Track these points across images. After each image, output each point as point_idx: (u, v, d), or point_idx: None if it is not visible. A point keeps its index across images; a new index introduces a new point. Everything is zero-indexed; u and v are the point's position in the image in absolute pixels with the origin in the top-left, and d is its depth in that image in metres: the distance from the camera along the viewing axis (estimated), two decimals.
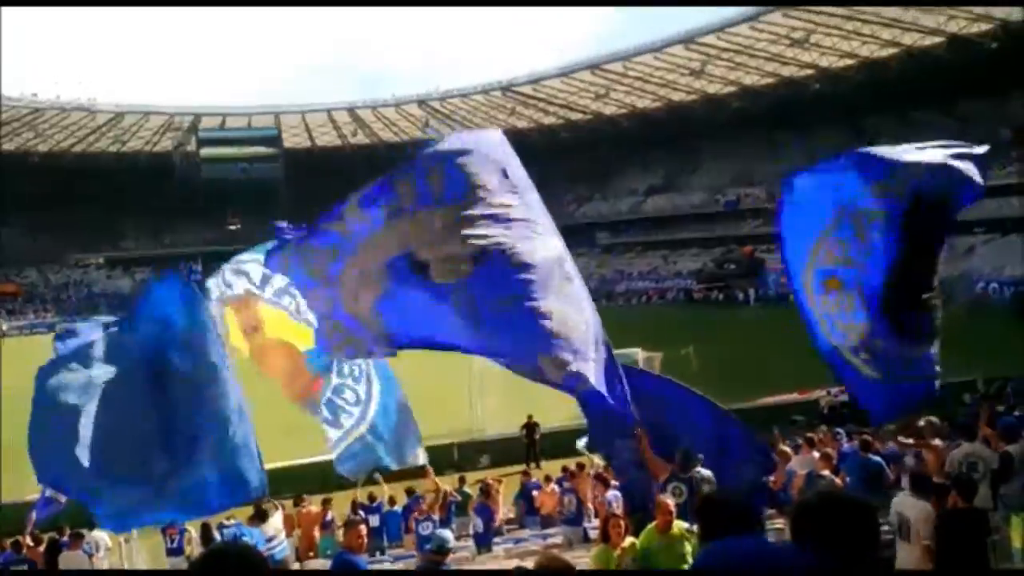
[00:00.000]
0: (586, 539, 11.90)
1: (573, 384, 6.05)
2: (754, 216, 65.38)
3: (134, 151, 78.98)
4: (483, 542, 12.19)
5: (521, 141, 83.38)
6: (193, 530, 13.34)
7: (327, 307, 6.53)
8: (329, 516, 13.50)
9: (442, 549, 6.36)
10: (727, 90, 68.63)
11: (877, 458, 9.94)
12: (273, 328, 9.60)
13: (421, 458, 10.42)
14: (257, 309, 9.64)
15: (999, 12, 48.56)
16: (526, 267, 6.04)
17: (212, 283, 9.78)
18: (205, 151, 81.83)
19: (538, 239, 6.26)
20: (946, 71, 53.54)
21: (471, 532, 12.46)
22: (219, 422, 7.16)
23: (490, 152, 6.44)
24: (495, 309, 6.00)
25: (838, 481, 8.57)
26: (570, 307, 6.23)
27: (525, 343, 6.02)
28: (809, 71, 62.10)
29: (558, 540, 12.27)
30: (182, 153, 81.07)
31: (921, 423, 9.74)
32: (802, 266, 8.02)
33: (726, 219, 67.99)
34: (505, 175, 6.31)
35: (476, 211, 6.08)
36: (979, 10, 48.86)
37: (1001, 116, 54.30)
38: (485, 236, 6.02)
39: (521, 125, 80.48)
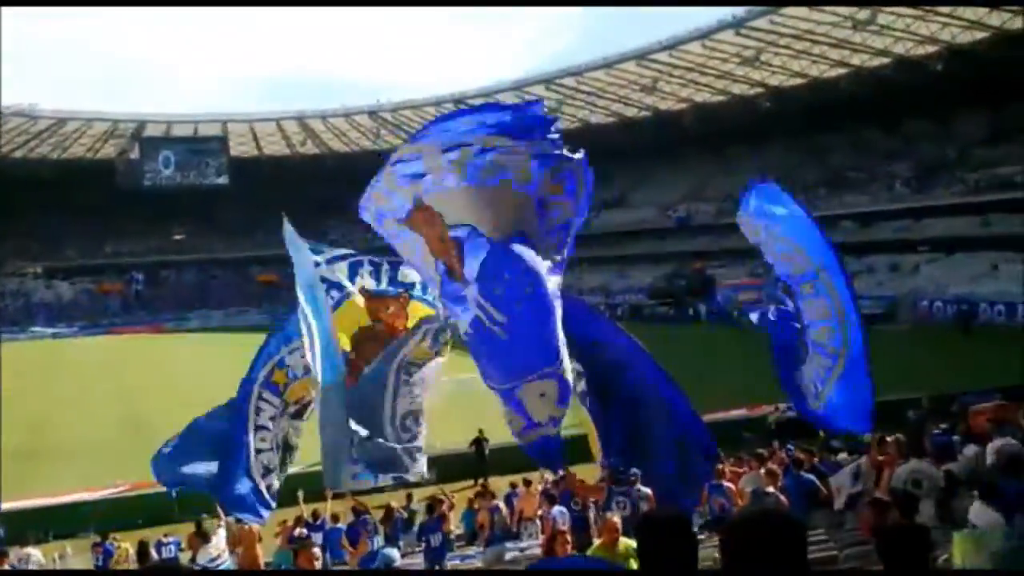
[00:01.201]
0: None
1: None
2: (705, 232, 66.07)
3: (76, 158, 77.30)
4: (438, 558, 11.97)
5: None
6: (130, 547, 13.04)
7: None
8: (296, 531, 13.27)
9: (389, 568, 6.21)
10: (679, 107, 69.37)
11: (809, 476, 10.03)
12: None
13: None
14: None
15: (945, 34, 49.76)
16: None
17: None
18: (149, 159, 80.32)
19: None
20: (893, 91, 54.77)
21: (427, 547, 12.22)
22: None
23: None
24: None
25: (783, 498, 8.54)
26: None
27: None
28: (760, 89, 63.03)
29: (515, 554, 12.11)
30: (125, 160, 79.55)
31: (889, 439, 9.84)
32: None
33: (677, 235, 68.57)
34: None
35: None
36: (926, 32, 50.02)
37: (945, 136, 55.70)
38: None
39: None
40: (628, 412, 7.92)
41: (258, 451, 9.77)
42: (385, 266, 9.74)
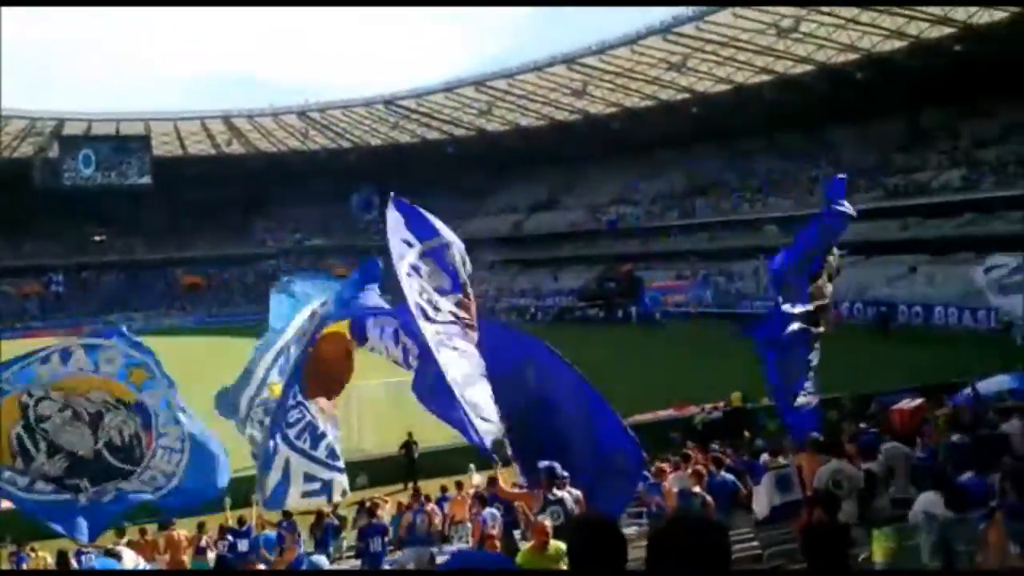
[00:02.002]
0: (432, 561, 11.73)
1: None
2: (634, 235, 66.87)
3: None
4: (376, 562, 11.88)
5: (404, 155, 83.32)
6: (48, 556, 12.73)
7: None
8: (203, 541, 13.06)
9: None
10: (608, 111, 70.03)
11: (729, 476, 10.23)
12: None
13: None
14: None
15: (865, 43, 51.17)
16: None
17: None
18: (69, 158, 77.92)
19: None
20: (815, 98, 56.17)
21: (367, 551, 12.12)
22: None
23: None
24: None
25: (708, 498, 8.68)
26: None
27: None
28: (686, 95, 63.98)
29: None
30: (43, 159, 77.03)
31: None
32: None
33: (607, 237, 69.24)
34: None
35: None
36: (847, 40, 51.35)
37: (865, 142, 57.33)
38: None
39: (404, 140, 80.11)
40: (551, 432, 8.16)
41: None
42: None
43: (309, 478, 8.64)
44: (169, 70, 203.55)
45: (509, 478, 8.58)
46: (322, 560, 6.53)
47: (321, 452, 8.67)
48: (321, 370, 8.80)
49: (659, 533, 2.25)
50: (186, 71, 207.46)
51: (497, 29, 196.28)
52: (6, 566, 12.53)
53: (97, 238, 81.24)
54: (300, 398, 8.53)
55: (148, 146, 79.04)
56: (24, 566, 12.50)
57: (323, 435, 8.72)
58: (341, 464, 9.03)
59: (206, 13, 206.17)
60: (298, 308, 10.13)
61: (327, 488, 8.83)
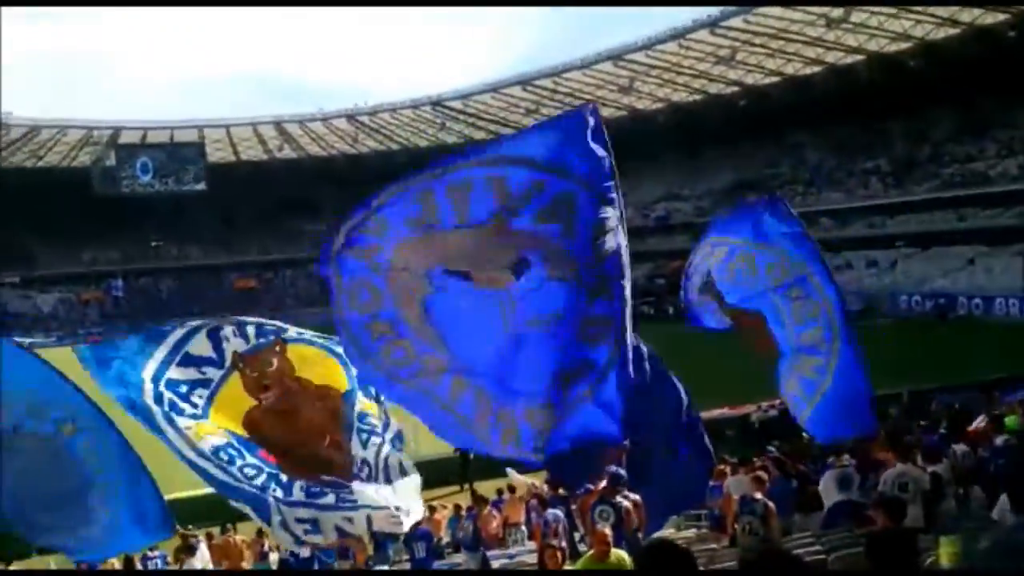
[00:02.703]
0: (485, 563, 11.74)
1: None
2: (683, 231, 66.33)
3: (51, 166, 76.45)
4: (423, 567, 11.95)
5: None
6: (116, 562, 12.93)
7: (376, 303, 6.01)
8: (266, 547, 13.19)
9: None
10: (655, 106, 69.60)
11: (791, 482, 10.13)
12: (305, 368, 7.97)
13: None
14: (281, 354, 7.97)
15: (918, 31, 50.23)
16: (567, 281, 5.80)
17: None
18: (126, 166, 79.59)
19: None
20: (867, 88, 55.24)
21: (411, 557, 12.19)
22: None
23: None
24: (527, 328, 5.83)
25: (770, 505, 8.62)
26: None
27: (547, 368, 5.84)
28: (735, 88, 63.35)
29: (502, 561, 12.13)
30: (101, 168, 78.78)
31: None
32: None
33: (656, 234, 68.82)
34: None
35: (507, 229, 5.75)
36: (899, 29, 50.48)
37: (920, 132, 56.22)
38: (519, 249, 5.76)
39: (451, 140, 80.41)
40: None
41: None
42: (249, 323, 8.23)
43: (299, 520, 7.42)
44: (219, 75, 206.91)
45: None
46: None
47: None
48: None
49: (642, 554, 2.28)
50: (235, 76, 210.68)
51: (541, 26, 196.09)
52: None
53: (154, 244, 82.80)
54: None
55: (202, 153, 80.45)
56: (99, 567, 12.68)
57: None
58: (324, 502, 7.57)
59: (252, 17, 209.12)
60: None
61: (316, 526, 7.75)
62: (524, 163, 5.70)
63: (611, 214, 5.79)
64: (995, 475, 8.78)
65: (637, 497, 8.62)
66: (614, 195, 5.83)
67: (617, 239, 5.84)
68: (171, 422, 7.16)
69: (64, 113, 67.02)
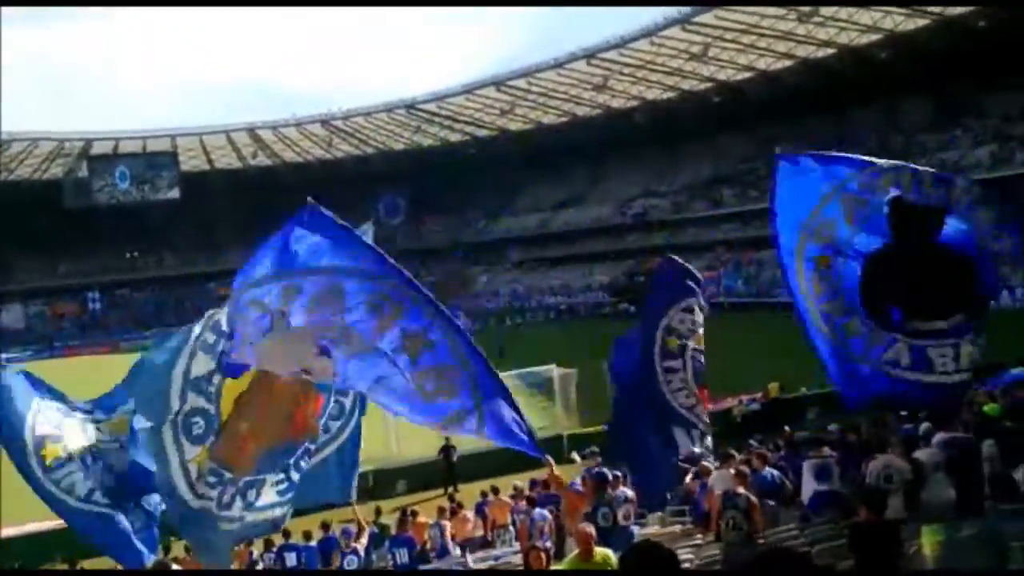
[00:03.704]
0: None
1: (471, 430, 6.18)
2: (661, 228, 66.58)
3: (22, 179, 75.61)
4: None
5: (428, 159, 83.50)
6: None
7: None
8: (253, 556, 13.13)
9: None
10: (630, 104, 69.79)
11: (775, 471, 10.14)
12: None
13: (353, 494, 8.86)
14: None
15: (887, 22, 50.61)
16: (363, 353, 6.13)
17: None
18: (98, 177, 78.92)
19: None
20: (839, 81, 55.66)
21: (394, 564, 12.16)
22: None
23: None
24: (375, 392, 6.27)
25: (753, 499, 8.64)
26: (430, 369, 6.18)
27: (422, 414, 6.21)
28: (709, 84, 63.63)
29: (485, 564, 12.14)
30: (73, 180, 78.07)
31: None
32: (795, 241, 8.20)
33: (634, 231, 69.00)
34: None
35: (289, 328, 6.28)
36: (868, 21, 50.82)
37: (891, 124, 56.73)
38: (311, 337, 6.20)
39: (427, 143, 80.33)
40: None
41: None
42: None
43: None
44: (191, 82, 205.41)
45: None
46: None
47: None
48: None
49: (623, 558, 2.27)
50: (208, 83, 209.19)
51: (514, 27, 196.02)
52: None
53: (130, 255, 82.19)
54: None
55: (175, 161, 79.90)
56: None
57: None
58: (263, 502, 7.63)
59: (221, 20, 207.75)
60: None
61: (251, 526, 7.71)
62: (268, 280, 6.40)
63: (384, 288, 6.21)
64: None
65: (631, 493, 8.72)
66: (385, 273, 6.31)
67: (407, 305, 6.16)
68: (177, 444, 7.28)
69: (34, 125, 66.02)
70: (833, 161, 8.34)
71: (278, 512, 7.66)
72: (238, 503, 7.35)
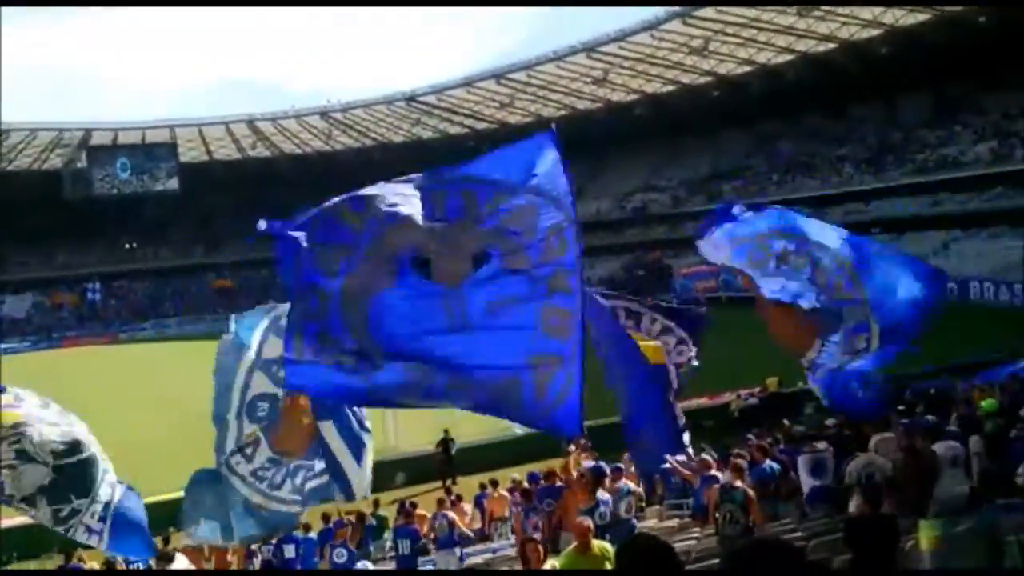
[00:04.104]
0: (461, 561, 11.91)
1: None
2: (660, 222, 66.55)
3: (21, 169, 75.55)
4: (407, 564, 11.96)
5: (427, 152, 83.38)
6: (96, 565, 12.86)
7: (322, 311, 6.15)
8: (252, 546, 13.16)
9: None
10: (630, 98, 69.71)
11: (775, 464, 10.15)
12: None
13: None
14: None
15: (888, 17, 50.53)
16: (523, 271, 6.03)
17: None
18: (97, 168, 78.83)
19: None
20: (839, 76, 55.62)
21: (396, 554, 12.19)
22: None
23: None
24: (484, 316, 5.97)
25: (751, 492, 8.66)
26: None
27: (512, 348, 5.95)
28: (709, 78, 63.56)
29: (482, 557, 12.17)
30: (73, 170, 77.96)
31: None
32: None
33: (633, 225, 68.95)
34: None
35: (474, 227, 6.13)
36: (869, 16, 50.76)
37: (892, 119, 56.66)
38: (482, 243, 6.05)
39: (426, 136, 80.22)
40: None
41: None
42: None
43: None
44: (191, 78, 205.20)
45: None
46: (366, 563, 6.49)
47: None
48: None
49: (618, 552, 2.28)
50: (206, 79, 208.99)
51: (514, 21, 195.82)
52: None
53: (128, 246, 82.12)
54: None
55: (175, 153, 79.81)
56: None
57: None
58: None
59: (223, 19, 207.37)
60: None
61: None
62: (489, 182, 6.38)
63: (565, 222, 6.10)
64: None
65: (634, 486, 8.76)
66: (571, 211, 6.19)
67: (571, 245, 6.12)
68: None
69: (33, 116, 66.02)
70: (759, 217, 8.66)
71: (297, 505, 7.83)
72: (287, 485, 7.61)
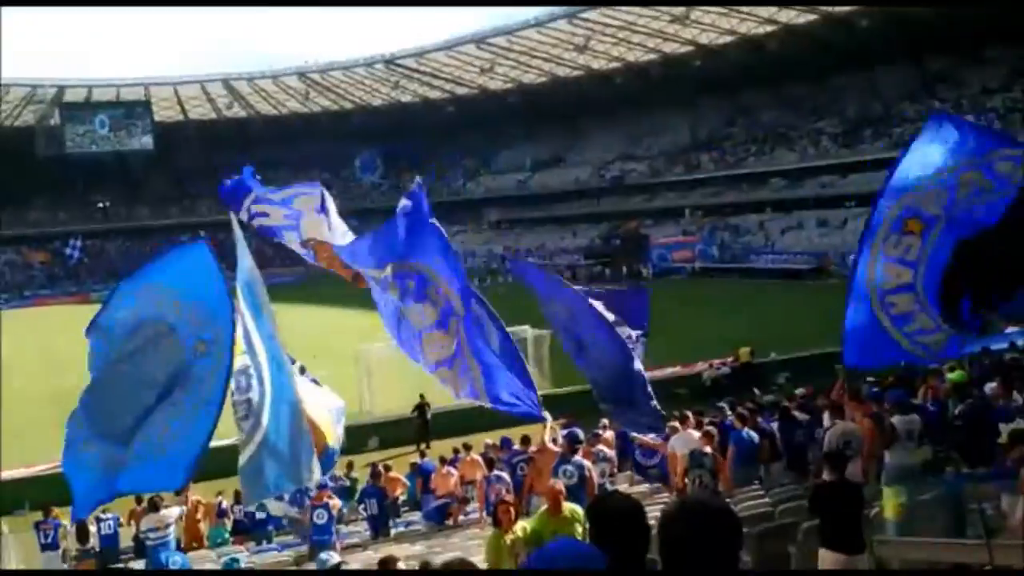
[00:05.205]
0: (441, 522, 12.32)
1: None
2: (639, 191, 66.60)
3: None
4: (378, 525, 12.10)
5: (407, 116, 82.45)
6: (68, 524, 12.84)
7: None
8: (224, 505, 13.22)
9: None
10: (611, 66, 69.41)
11: (753, 433, 10.27)
12: None
13: (316, 473, 8.22)
14: None
15: None
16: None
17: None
18: (71, 125, 77.63)
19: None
20: (819, 48, 55.63)
21: (367, 515, 12.31)
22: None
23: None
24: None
25: (720, 458, 8.76)
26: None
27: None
28: (690, 48, 63.35)
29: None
30: (46, 127, 76.72)
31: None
32: (896, 196, 7.79)
33: (612, 194, 68.98)
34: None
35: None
36: None
37: (870, 91, 56.79)
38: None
39: (406, 99, 79.55)
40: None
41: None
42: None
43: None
44: (168, 38, 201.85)
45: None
46: (332, 557, 6.49)
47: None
48: None
49: (593, 511, 2.32)
50: (184, 39, 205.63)
51: None
52: (31, 535, 12.58)
53: (102, 205, 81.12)
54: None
55: (149, 111, 78.72)
56: (60, 530, 12.54)
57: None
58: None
59: None
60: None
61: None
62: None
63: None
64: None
65: (612, 453, 8.82)
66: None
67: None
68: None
69: (6, 72, 64.71)
70: (983, 134, 7.91)
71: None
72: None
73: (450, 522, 12.46)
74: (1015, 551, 5.21)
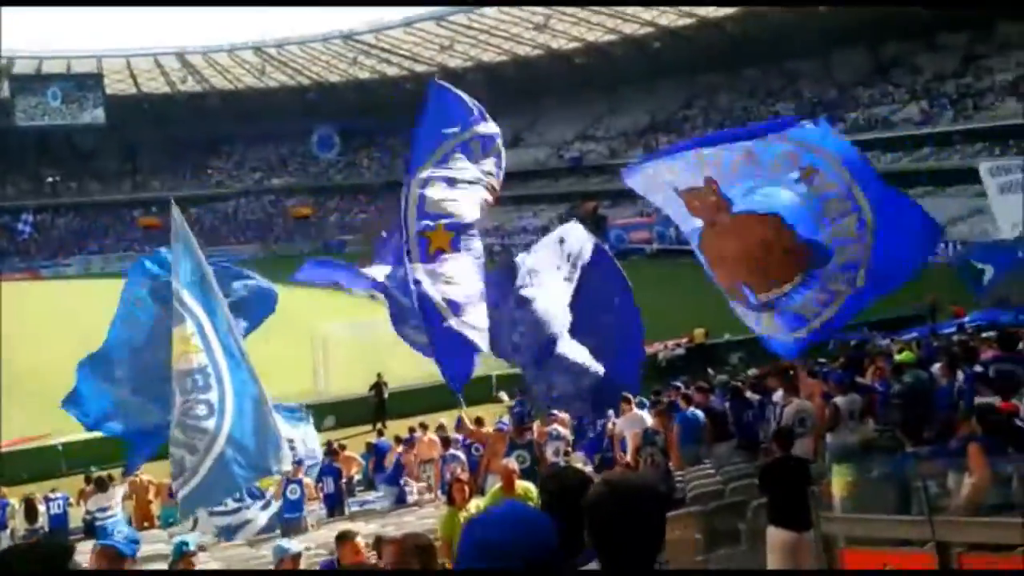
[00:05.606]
0: (401, 500, 12.37)
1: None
2: (597, 172, 66.75)
3: None
4: (333, 503, 12.12)
5: (364, 93, 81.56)
6: (16, 503, 12.79)
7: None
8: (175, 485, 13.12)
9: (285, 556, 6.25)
10: (571, 45, 69.31)
11: (698, 412, 10.41)
12: None
13: (285, 463, 8.86)
14: None
15: None
16: None
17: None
18: (20, 97, 75.74)
19: None
20: (776, 31, 56.04)
21: (323, 492, 12.31)
22: None
23: None
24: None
25: (671, 437, 8.85)
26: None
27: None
28: (650, 29, 63.43)
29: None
30: None
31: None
32: None
33: (570, 174, 69.09)
34: None
35: None
36: None
37: (826, 75, 57.46)
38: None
39: (363, 76, 78.77)
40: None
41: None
42: None
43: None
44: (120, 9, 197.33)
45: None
46: (292, 546, 6.43)
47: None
48: None
49: (592, 495, 2.34)
50: (137, 10, 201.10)
51: None
52: None
53: (52, 180, 79.41)
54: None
55: (100, 84, 76.96)
56: (8, 508, 12.46)
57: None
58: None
59: None
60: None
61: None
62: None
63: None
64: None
65: (567, 432, 8.87)
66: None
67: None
68: None
69: None
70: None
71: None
72: None
73: (408, 488, 12.53)
74: (956, 527, 5.34)
